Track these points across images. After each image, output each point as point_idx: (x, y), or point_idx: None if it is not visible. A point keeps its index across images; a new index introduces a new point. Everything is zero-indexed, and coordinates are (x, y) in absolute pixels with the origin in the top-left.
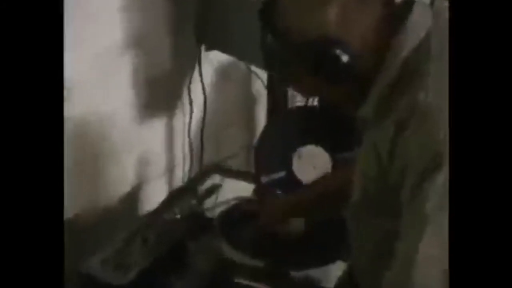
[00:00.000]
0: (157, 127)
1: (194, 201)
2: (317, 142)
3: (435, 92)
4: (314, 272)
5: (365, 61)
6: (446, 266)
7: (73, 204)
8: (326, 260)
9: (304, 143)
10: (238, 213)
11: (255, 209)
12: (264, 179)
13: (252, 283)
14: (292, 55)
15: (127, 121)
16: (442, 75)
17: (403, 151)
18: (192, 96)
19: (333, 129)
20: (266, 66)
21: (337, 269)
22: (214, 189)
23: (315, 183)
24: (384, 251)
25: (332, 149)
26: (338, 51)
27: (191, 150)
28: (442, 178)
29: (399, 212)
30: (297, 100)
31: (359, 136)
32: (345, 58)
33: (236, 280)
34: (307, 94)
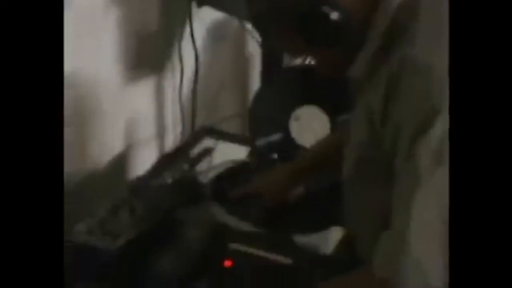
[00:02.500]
0: (145, 89)
1: (185, 166)
2: (315, 102)
3: (425, 47)
4: (312, 238)
5: (354, 19)
6: (446, 224)
7: None
8: (324, 225)
9: (302, 104)
10: (233, 178)
11: (255, 189)
12: (259, 142)
13: (249, 249)
14: (279, 15)
15: (114, 82)
16: (432, 30)
17: (395, 109)
18: (183, 56)
19: (332, 89)
20: (253, 25)
21: (335, 234)
22: (207, 153)
23: (313, 149)
24: (382, 216)
25: (331, 110)
26: (326, 9)
27: (182, 112)
28: (437, 134)
29: (394, 175)
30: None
31: (353, 98)
32: (334, 16)
33: (231, 247)
34: (296, 54)
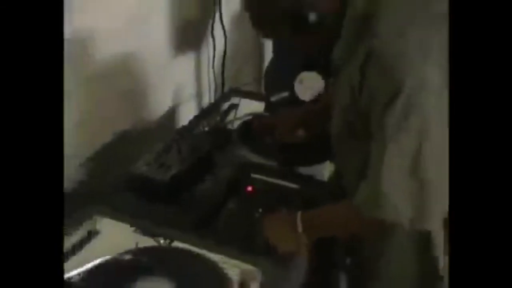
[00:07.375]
0: (187, 61)
1: (218, 118)
2: (314, 69)
3: (388, 37)
4: (311, 169)
5: (328, 17)
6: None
7: (123, 121)
8: (320, 160)
9: (304, 70)
10: (253, 124)
11: (271, 121)
12: (272, 98)
13: (266, 178)
14: (272, 14)
15: (164, 57)
16: (392, 20)
17: (369, 82)
18: (215, 36)
19: (325, 60)
20: (250, 18)
21: (328, 167)
22: (233, 107)
23: (314, 101)
24: (362, 161)
25: (325, 74)
26: (306, 12)
27: (215, 78)
28: (400, 105)
29: (370, 133)
30: None
31: (337, 69)
32: (312, 16)
33: (253, 176)
34: (289, 42)
